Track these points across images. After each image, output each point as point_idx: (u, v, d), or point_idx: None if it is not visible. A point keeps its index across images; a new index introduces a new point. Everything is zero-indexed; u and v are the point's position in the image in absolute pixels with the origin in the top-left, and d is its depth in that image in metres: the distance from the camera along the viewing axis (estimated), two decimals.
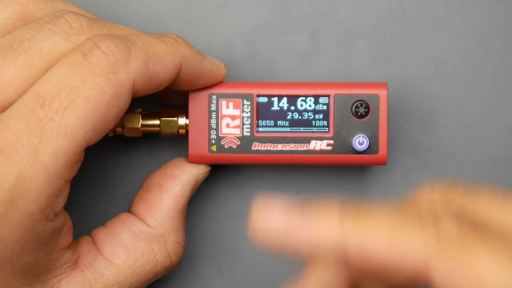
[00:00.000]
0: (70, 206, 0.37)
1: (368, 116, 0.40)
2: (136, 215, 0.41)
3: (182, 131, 0.41)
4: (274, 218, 0.29)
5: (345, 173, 0.44)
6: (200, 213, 0.44)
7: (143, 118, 0.41)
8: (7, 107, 0.35)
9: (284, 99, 0.41)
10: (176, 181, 0.41)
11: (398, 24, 0.42)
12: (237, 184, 0.44)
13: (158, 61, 0.37)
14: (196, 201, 0.44)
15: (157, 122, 0.41)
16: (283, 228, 0.29)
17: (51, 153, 0.34)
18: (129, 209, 0.42)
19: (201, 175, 0.42)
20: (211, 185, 0.44)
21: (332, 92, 0.40)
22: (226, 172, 0.44)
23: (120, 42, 0.36)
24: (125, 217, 0.40)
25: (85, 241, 0.39)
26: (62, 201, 0.35)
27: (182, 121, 0.41)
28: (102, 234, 0.40)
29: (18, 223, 0.34)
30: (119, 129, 0.41)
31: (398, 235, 0.28)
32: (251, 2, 0.42)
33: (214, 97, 0.40)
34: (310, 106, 0.41)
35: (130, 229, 0.40)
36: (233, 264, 0.45)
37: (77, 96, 0.34)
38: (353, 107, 0.40)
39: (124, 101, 0.35)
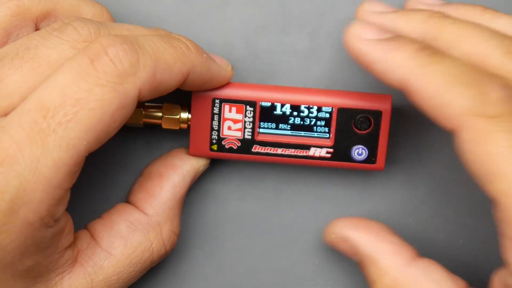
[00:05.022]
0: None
1: (370, 129, 0.40)
2: (134, 203, 0.41)
3: (183, 125, 0.41)
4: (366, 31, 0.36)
5: (345, 173, 0.44)
6: (200, 213, 0.44)
7: (145, 110, 0.41)
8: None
9: (287, 105, 0.41)
10: (177, 171, 0.42)
11: None
12: (237, 184, 0.44)
13: (166, 69, 0.36)
14: (196, 201, 0.44)
15: (159, 114, 0.41)
16: (366, 47, 0.35)
17: (52, 165, 0.33)
18: (127, 197, 0.42)
19: (201, 167, 0.42)
20: (211, 185, 0.44)
21: (336, 104, 0.40)
22: (226, 172, 0.44)
23: (130, 48, 0.35)
24: (121, 208, 0.41)
25: (83, 235, 0.39)
26: (62, 208, 0.35)
27: (184, 115, 0.41)
28: (99, 226, 0.40)
29: (19, 232, 0.34)
30: None
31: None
32: (251, 2, 0.42)
33: (217, 101, 0.40)
34: (312, 113, 0.41)
35: (127, 219, 0.40)
36: (233, 264, 0.45)
37: (82, 108, 0.34)
38: (355, 121, 0.40)
39: (129, 110, 0.35)
